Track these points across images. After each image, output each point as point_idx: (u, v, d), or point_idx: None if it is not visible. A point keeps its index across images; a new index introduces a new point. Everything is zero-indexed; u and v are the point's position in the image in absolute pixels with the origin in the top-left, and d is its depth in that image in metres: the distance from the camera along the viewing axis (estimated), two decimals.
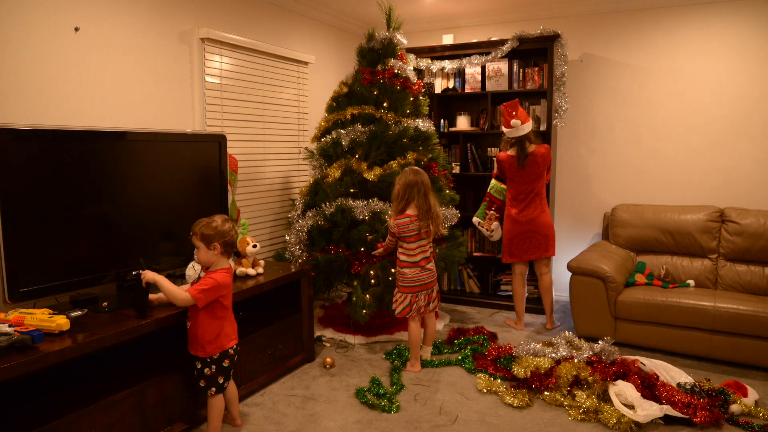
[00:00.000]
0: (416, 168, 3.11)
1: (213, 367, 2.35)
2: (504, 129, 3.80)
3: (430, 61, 4.56)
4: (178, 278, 2.90)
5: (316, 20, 4.49)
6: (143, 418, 2.31)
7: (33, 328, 2.01)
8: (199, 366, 2.36)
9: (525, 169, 3.71)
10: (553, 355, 3.00)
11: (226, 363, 2.39)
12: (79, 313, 2.20)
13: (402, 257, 3.10)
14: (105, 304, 2.44)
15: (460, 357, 3.30)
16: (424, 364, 3.26)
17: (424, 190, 3.03)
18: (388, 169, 3.54)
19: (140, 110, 3.01)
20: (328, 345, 3.60)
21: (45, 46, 2.52)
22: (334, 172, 3.60)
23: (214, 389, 2.37)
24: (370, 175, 3.52)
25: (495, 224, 4.02)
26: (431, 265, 3.14)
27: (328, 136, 3.72)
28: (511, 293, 4.50)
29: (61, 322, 2.05)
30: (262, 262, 3.22)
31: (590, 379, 2.76)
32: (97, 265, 2.52)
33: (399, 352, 3.39)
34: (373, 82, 3.69)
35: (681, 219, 3.86)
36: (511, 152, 3.78)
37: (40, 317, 2.09)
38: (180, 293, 2.26)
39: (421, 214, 3.02)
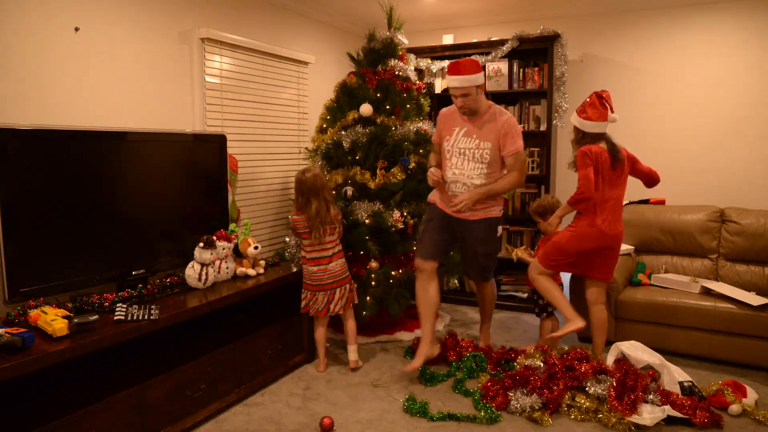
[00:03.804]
0: (309, 167, 3.18)
1: None
2: (590, 122, 2.97)
3: (430, 61, 4.56)
4: (180, 282, 2.89)
5: (316, 20, 4.49)
6: (143, 418, 2.31)
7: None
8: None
9: (617, 169, 3.01)
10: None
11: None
12: (87, 319, 2.16)
13: (302, 253, 3.18)
14: (106, 303, 2.44)
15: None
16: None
17: (313, 191, 3.05)
18: (391, 177, 3.54)
19: (140, 110, 3.01)
20: (328, 345, 3.60)
21: (45, 46, 2.51)
22: (336, 177, 3.59)
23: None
24: (372, 184, 3.52)
25: None
26: (334, 265, 3.11)
27: (325, 135, 3.71)
28: (512, 293, 4.49)
29: (57, 327, 2.04)
30: (262, 263, 3.22)
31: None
32: (97, 265, 2.52)
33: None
34: (377, 84, 3.67)
35: (681, 219, 3.86)
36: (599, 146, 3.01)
37: (46, 318, 2.09)
38: None
39: (311, 216, 3.04)
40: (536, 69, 4.35)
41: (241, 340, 2.85)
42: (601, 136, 3.01)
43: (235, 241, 3.07)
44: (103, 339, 2.13)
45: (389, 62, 3.76)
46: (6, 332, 1.93)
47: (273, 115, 3.99)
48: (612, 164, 2.98)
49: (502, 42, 4.25)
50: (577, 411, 2.65)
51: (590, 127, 2.98)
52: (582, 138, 3.04)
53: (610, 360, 2.98)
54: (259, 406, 2.79)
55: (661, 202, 4.10)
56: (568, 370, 2.84)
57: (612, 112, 3.01)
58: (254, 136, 3.82)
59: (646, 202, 4.12)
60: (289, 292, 3.28)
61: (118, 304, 2.39)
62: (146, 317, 2.32)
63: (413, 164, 3.63)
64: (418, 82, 3.94)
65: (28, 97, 2.47)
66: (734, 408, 2.65)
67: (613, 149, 3.00)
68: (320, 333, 3.22)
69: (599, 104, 2.98)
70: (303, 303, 3.16)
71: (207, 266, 2.82)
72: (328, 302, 3.11)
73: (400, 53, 3.83)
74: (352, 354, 3.24)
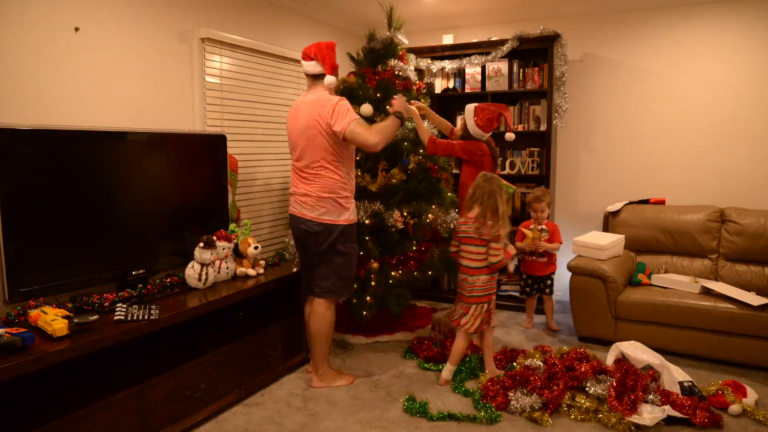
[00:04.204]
0: (487, 174, 3.02)
1: None
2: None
3: (430, 61, 4.56)
4: (180, 282, 2.89)
5: (316, 20, 4.49)
6: (143, 418, 2.31)
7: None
8: None
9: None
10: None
11: None
12: (87, 319, 2.16)
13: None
14: (106, 303, 2.44)
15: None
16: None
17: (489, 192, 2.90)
18: (392, 179, 3.53)
19: (140, 110, 3.00)
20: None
21: (45, 46, 2.51)
22: None
23: None
24: (374, 187, 3.52)
25: None
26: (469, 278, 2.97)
27: None
28: (512, 293, 4.48)
29: (57, 327, 2.04)
30: (262, 263, 3.22)
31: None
32: (97, 265, 2.52)
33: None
34: (377, 84, 3.66)
35: (681, 219, 3.86)
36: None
37: (46, 318, 2.09)
38: None
39: (479, 216, 2.90)
40: (536, 69, 4.35)
41: (241, 340, 2.85)
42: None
43: (235, 241, 3.07)
44: (103, 339, 2.13)
45: (389, 62, 3.75)
46: (6, 332, 1.93)
47: (273, 115, 3.99)
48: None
49: (502, 42, 4.25)
50: (577, 411, 2.65)
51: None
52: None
53: (610, 360, 2.98)
54: (259, 406, 2.79)
55: (661, 202, 4.10)
56: (568, 370, 2.84)
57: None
58: (254, 136, 3.82)
59: (646, 202, 4.12)
60: (289, 292, 3.28)
61: (118, 304, 2.38)
62: (146, 317, 2.32)
63: (413, 164, 3.63)
64: (418, 82, 3.93)
65: (28, 96, 2.47)
66: (734, 408, 2.65)
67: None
68: (455, 345, 3.04)
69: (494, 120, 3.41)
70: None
71: (207, 266, 2.82)
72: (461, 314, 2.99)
73: (400, 53, 3.82)
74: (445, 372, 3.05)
